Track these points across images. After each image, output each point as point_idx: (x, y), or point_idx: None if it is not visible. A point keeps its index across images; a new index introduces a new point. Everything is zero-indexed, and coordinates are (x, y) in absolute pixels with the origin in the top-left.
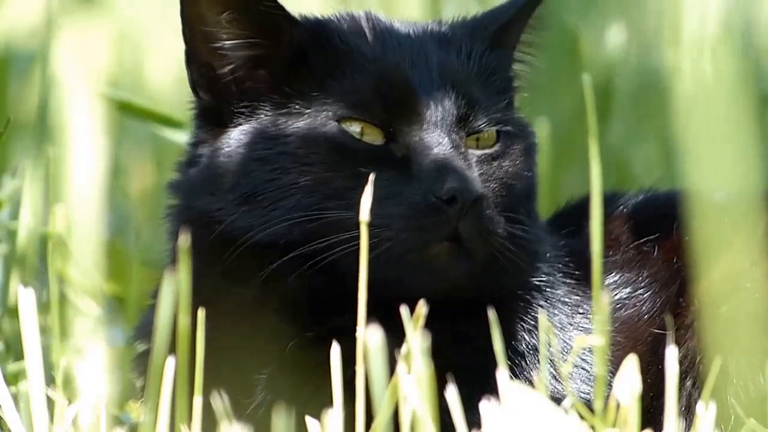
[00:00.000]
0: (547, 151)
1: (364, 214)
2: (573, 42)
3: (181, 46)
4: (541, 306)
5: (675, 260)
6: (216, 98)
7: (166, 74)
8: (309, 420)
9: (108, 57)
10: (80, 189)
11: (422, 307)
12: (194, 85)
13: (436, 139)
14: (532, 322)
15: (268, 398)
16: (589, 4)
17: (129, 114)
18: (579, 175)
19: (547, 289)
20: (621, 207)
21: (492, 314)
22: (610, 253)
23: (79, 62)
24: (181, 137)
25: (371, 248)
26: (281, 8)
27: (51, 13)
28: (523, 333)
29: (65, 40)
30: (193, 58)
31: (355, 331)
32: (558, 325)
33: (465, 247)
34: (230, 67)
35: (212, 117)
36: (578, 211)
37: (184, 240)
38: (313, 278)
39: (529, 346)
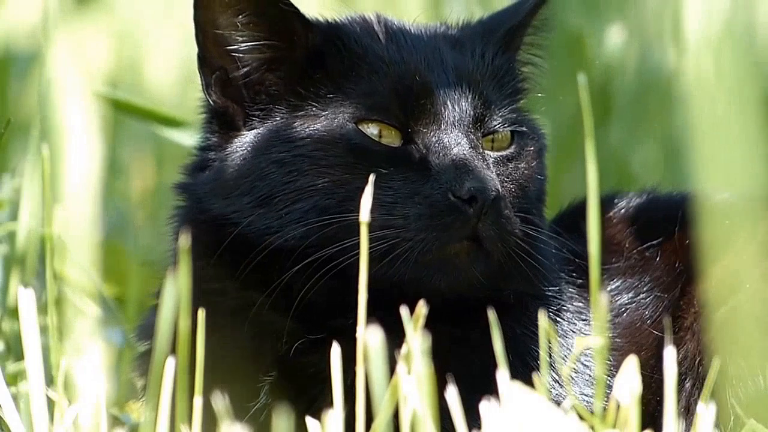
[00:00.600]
0: (549, 152)
1: (365, 215)
2: (575, 43)
3: (182, 46)
4: (548, 315)
5: (677, 264)
6: (229, 102)
7: (166, 74)
8: (309, 420)
9: (108, 57)
10: (74, 189)
11: (422, 308)
12: (207, 89)
13: (454, 139)
14: (536, 330)
15: (272, 401)
16: (591, 4)
17: (127, 113)
18: (581, 176)
19: (552, 297)
20: (622, 210)
21: (492, 315)
22: (613, 260)
23: (76, 62)
24: (180, 136)
25: (390, 249)
26: (297, 11)
27: (49, 14)
28: (527, 341)
29: (63, 40)
30: (205, 62)
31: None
32: (560, 332)
33: (483, 246)
34: (244, 70)
35: (224, 121)
36: (581, 212)
37: (185, 241)
38: (329, 282)
39: (533, 354)
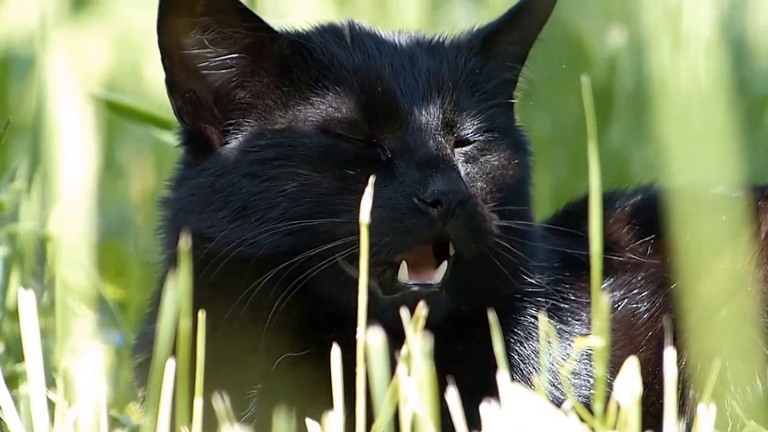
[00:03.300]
0: (551, 155)
1: (365, 216)
2: (575, 44)
3: None
4: (535, 316)
5: (672, 261)
6: (201, 123)
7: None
8: (309, 422)
9: (108, 60)
10: (70, 191)
11: (422, 309)
12: (179, 113)
13: (420, 142)
14: (525, 332)
15: (261, 411)
16: (590, 6)
17: (124, 116)
18: (583, 177)
19: (541, 298)
20: (618, 209)
21: (492, 315)
22: (608, 257)
23: (74, 65)
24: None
25: (358, 253)
26: (262, 23)
27: (47, 17)
28: (516, 344)
29: (61, 43)
30: (174, 87)
31: (347, 344)
32: (556, 334)
33: (454, 248)
34: (214, 86)
35: (198, 141)
36: (579, 212)
37: (185, 243)
38: (303, 292)
39: (524, 356)
